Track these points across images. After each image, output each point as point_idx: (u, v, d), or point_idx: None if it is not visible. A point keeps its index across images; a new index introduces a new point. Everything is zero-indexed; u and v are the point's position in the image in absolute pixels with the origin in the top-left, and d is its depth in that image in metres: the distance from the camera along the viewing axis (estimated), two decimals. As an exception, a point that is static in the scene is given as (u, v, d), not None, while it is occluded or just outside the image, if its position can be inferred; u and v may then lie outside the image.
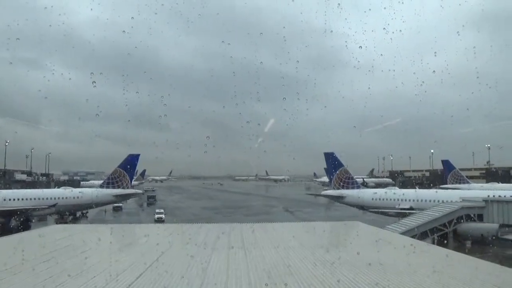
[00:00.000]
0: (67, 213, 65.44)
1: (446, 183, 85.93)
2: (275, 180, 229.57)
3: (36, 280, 10.31)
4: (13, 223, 55.20)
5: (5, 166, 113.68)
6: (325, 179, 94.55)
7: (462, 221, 39.31)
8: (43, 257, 13.17)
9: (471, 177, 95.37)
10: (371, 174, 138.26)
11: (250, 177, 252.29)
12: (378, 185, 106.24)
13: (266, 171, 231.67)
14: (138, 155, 68.25)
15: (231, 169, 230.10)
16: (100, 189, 67.47)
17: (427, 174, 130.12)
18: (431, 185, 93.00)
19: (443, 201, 46.40)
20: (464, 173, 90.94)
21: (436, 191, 58.09)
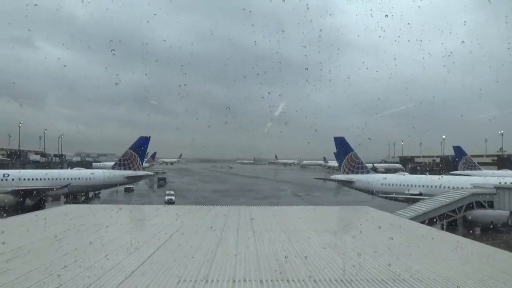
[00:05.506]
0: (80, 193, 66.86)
1: (457, 170, 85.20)
2: (285, 164, 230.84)
3: (50, 257, 10.47)
4: (28, 202, 56.74)
5: (19, 146, 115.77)
6: (335, 163, 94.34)
7: (472, 207, 39.07)
8: (57, 235, 13.49)
9: (483, 164, 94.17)
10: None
11: (258, 161, 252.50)
12: (387, 171, 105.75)
13: (275, 155, 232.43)
14: (149, 137, 69.13)
15: (239, 153, 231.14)
16: (111, 171, 68.55)
17: (438, 160, 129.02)
18: (442, 171, 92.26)
19: (453, 188, 46.05)
20: (476, 160, 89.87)
21: (447, 178, 57.63)
